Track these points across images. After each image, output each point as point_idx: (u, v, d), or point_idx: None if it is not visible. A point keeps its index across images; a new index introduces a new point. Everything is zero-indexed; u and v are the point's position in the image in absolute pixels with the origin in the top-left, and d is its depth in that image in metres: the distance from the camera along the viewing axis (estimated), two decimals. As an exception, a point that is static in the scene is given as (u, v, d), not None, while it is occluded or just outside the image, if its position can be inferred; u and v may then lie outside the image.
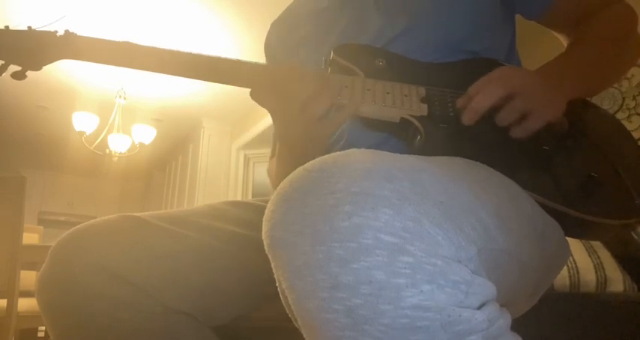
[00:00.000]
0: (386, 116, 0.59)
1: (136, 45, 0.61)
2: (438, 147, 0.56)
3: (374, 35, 0.69)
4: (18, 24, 0.62)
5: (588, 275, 1.22)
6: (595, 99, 0.71)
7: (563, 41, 0.75)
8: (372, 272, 0.29)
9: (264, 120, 3.77)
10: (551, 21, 0.72)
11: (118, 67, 0.62)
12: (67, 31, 0.62)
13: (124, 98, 3.61)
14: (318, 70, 0.68)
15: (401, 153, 0.41)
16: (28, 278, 2.39)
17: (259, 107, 0.61)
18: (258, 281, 0.61)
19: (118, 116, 3.61)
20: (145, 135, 3.78)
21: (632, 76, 1.88)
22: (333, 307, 0.30)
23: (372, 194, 0.31)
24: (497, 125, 0.57)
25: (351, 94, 0.59)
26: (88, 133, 3.55)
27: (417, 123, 0.57)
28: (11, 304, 1.79)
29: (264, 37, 0.89)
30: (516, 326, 0.36)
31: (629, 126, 1.84)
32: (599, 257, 1.25)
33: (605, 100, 1.93)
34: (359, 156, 0.36)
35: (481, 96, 0.55)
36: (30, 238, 2.80)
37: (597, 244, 1.30)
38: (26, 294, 2.22)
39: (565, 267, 1.23)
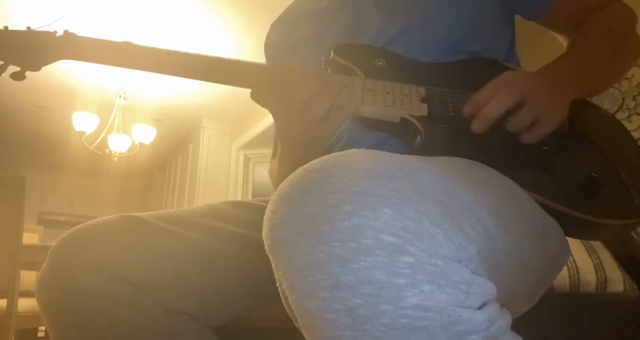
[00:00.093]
0: (386, 116, 0.59)
1: (135, 45, 0.61)
2: (438, 147, 0.56)
3: (374, 35, 0.69)
4: (17, 24, 0.62)
5: (588, 275, 1.22)
6: (595, 99, 0.71)
7: (563, 42, 0.75)
8: (372, 272, 0.29)
9: (264, 120, 3.77)
10: (551, 21, 0.72)
11: (118, 67, 0.62)
12: (66, 32, 0.62)
13: (124, 98, 3.61)
14: (318, 69, 0.68)
15: (401, 153, 0.41)
16: (28, 278, 2.39)
17: (259, 107, 0.61)
18: (259, 282, 0.61)
19: (118, 116, 3.61)
20: (145, 135, 3.78)
21: (632, 75, 1.88)
22: (334, 307, 0.30)
23: (373, 194, 0.31)
24: (498, 125, 0.57)
25: (351, 94, 0.59)
26: (88, 133, 3.55)
27: (417, 123, 0.57)
28: (11, 304, 1.79)
29: (264, 37, 0.89)
30: (516, 326, 0.36)
31: (629, 126, 1.84)
32: (599, 257, 1.25)
33: (605, 100, 1.93)
34: (359, 156, 0.36)
35: (492, 104, 0.54)
36: (30, 238, 2.80)
37: (597, 244, 1.30)
38: (26, 294, 2.22)
39: (565, 267, 1.23)
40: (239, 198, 3.58)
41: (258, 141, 4.06)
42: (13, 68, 0.62)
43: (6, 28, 0.61)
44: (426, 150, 0.55)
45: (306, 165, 0.36)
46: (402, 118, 0.58)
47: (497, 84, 0.56)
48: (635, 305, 1.09)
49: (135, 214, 0.61)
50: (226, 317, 0.63)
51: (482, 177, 0.48)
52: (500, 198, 0.44)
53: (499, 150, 0.57)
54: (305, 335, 0.35)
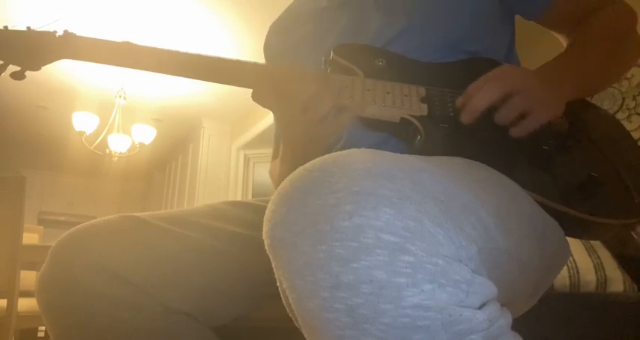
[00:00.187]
0: (386, 116, 0.59)
1: (135, 45, 0.61)
2: (438, 147, 0.56)
3: (373, 35, 0.69)
4: (17, 24, 0.62)
5: (588, 275, 1.22)
6: (595, 99, 0.71)
7: (563, 41, 0.75)
8: (372, 272, 0.29)
9: (264, 120, 3.77)
10: (551, 21, 0.72)
11: (118, 67, 0.62)
12: (66, 31, 0.62)
13: (124, 98, 3.61)
14: (317, 69, 0.68)
15: (401, 153, 0.41)
16: (28, 278, 2.39)
17: (259, 107, 0.61)
18: (259, 282, 0.61)
19: (118, 116, 3.61)
20: (145, 135, 3.78)
21: (632, 75, 1.88)
22: (334, 306, 0.30)
23: (373, 193, 0.31)
24: (497, 125, 0.57)
25: (351, 94, 0.59)
26: (88, 133, 3.55)
27: (417, 123, 0.57)
28: (11, 304, 1.79)
29: (264, 37, 0.89)
30: (516, 326, 0.36)
31: (629, 126, 1.84)
32: (599, 257, 1.25)
33: (605, 100, 1.93)
34: (359, 156, 0.36)
35: (480, 95, 0.55)
36: (30, 238, 2.80)
37: (597, 244, 1.30)
38: (26, 294, 2.22)
39: (565, 267, 1.23)
40: (239, 198, 3.58)
41: (258, 141, 4.06)
42: (12, 68, 0.62)
43: (6, 27, 0.61)
44: (426, 150, 0.55)
45: (306, 165, 0.36)
46: (402, 118, 0.58)
47: (487, 76, 0.57)
48: (635, 305, 1.09)
49: (135, 214, 0.61)
50: (226, 317, 0.63)
51: (482, 176, 0.48)
52: (500, 197, 0.44)
53: (499, 150, 0.57)
54: (305, 335, 0.35)
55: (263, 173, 4.11)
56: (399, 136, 0.62)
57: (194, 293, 0.59)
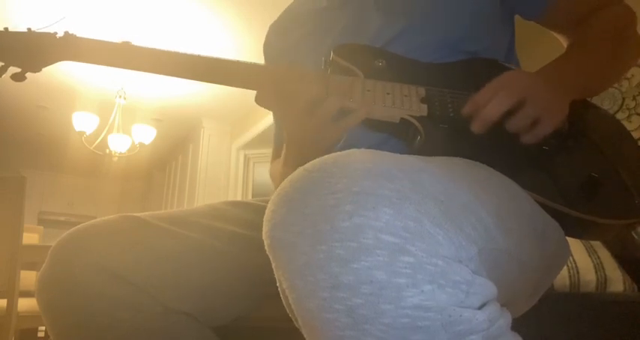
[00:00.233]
0: (386, 116, 0.59)
1: (135, 46, 0.61)
2: (438, 148, 0.56)
3: (373, 35, 0.69)
4: (18, 25, 0.62)
5: (588, 275, 1.22)
6: (595, 99, 0.71)
7: (563, 42, 0.75)
8: (372, 272, 0.29)
9: (264, 120, 3.77)
10: (551, 21, 0.72)
11: (118, 68, 0.62)
12: (66, 33, 0.62)
13: (124, 98, 3.61)
14: (317, 70, 0.68)
15: (401, 153, 0.41)
16: (28, 278, 2.39)
17: (259, 107, 0.61)
18: (259, 282, 0.61)
19: (118, 116, 3.61)
20: (145, 135, 3.78)
21: (632, 76, 1.88)
22: (334, 307, 0.30)
23: (373, 194, 0.31)
24: (498, 126, 0.57)
25: (351, 95, 0.59)
26: (88, 133, 3.55)
27: (416, 123, 0.57)
28: (11, 304, 1.79)
29: (264, 37, 0.89)
30: (516, 326, 0.36)
31: (629, 126, 1.84)
32: (599, 257, 1.25)
33: (605, 100, 1.93)
34: (359, 156, 0.36)
35: (492, 105, 0.54)
36: (30, 238, 2.80)
37: (597, 244, 1.30)
38: (26, 294, 2.22)
39: (565, 267, 1.23)
40: (239, 198, 3.58)
41: (258, 141, 4.06)
42: (13, 69, 0.62)
43: (6, 29, 0.61)
44: (426, 151, 0.55)
45: (305, 165, 0.36)
46: (401, 119, 0.58)
47: (497, 84, 0.56)
48: (635, 305, 1.09)
49: (135, 214, 0.61)
50: (226, 318, 0.63)
51: (483, 177, 0.48)
52: (500, 198, 0.44)
53: (499, 150, 0.57)
54: (305, 335, 0.35)
55: (263, 173, 4.11)
56: (398, 137, 0.61)
57: (194, 293, 0.59)
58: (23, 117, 4.60)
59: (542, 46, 1.21)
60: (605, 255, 1.27)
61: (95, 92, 3.90)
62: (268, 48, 0.88)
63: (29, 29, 0.62)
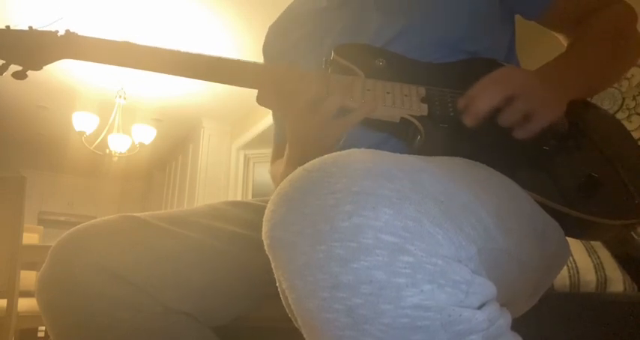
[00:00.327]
0: (386, 116, 0.59)
1: (136, 45, 0.61)
2: (438, 147, 0.56)
3: (373, 35, 0.69)
4: (18, 24, 0.62)
5: (588, 275, 1.22)
6: (595, 99, 0.71)
7: (563, 41, 0.75)
8: (372, 272, 0.29)
9: (264, 120, 3.77)
10: (551, 21, 0.72)
11: (118, 67, 0.62)
12: (67, 31, 0.62)
13: (124, 98, 3.61)
14: (318, 69, 0.68)
15: (401, 153, 0.41)
16: (28, 278, 2.39)
17: (259, 107, 0.61)
18: (259, 282, 0.61)
19: (118, 116, 3.61)
20: (145, 135, 3.78)
21: (632, 76, 1.88)
22: (334, 307, 0.30)
23: (373, 193, 0.31)
24: (498, 125, 0.57)
25: (352, 94, 0.59)
26: (88, 133, 3.55)
27: (417, 123, 0.57)
28: (11, 304, 1.79)
29: (264, 37, 0.89)
30: (516, 326, 0.36)
31: (629, 126, 1.84)
32: (599, 257, 1.25)
33: (605, 100, 1.93)
34: (359, 156, 0.36)
35: (482, 98, 0.55)
36: (30, 238, 2.80)
37: (597, 244, 1.30)
38: (26, 294, 2.22)
39: (565, 267, 1.23)
40: (239, 198, 3.58)
41: (258, 141, 4.06)
42: (14, 67, 0.62)
43: (8, 27, 0.61)
44: (426, 150, 0.55)
45: (305, 165, 0.36)
46: (402, 118, 0.58)
47: (490, 79, 0.57)
48: (635, 305, 1.09)
49: (135, 214, 0.61)
50: (226, 318, 0.63)
51: (482, 177, 0.48)
52: (500, 198, 0.44)
53: (499, 150, 0.57)
54: (305, 335, 0.35)
55: (263, 173, 4.11)
56: (399, 136, 0.62)
57: (194, 293, 0.59)
58: (23, 117, 4.60)
59: (542, 46, 1.21)
60: (605, 255, 1.27)
61: (95, 92, 3.90)
62: (268, 48, 0.88)
63: (30, 27, 0.62)
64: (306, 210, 0.32)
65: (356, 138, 0.66)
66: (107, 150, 3.81)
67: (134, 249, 0.56)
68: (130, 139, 3.84)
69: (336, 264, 0.30)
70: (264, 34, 0.89)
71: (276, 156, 0.85)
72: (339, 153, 0.37)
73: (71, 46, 0.61)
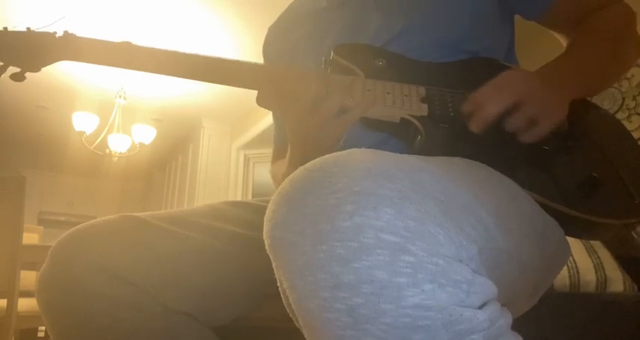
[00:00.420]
0: (386, 116, 0.59)
1: (135, 46, 0.61)
2: (438, 147, 0.56)
3: (373, 35, 0.69)
4: (17, 24, 0.62)
5: (588, 275, 1.22)
6: (595, 99, 0.71)
7: (563, 41, 0.75)
8: (373, 272, 0.29)
9: (264, 120, 3.77)
10: (551, 21, 0.72)
11: (118, 68, 0.62)
12: (66, 32, 0.61)
13: (124, 98, 3.61)
14: (317, 69, 0.68)
15: (401, 153, 0.41)
16: (28, 278, 2.39)
17: (259, 107, 0.61)
18: (259, 282, 0.61)
19: (118, 116, 3.61)
20: (145, 135, 3.78)
21: (632, 76, 1.88)
22: (335, 306, 0.30)
23: (374, 193, 0.31)
24: (498, 126, 0.57)
25: (351, 94, 0.59)
26: (88, 133, 3.55)
27: (417, 123, 0.57)
28: (11, 304, 1.79)
29: (264, 38, 0.89)
30: (516, 326, 0.36)
31: (629, 126, 1.84)
32: (599, 257, 1.25)
33: (605, 100, 1.93)
34: (359, 156, 0.36)
35: (490, 105, 0.54)
36: (30, 238, 2.80)
37: (597, 244, 1.30)
38: (26, 294, 2.22)
39: (565, 267, 1.23)
40: (239, 198, 3.59)
41: (258, 141, 4.06)
42: (13, 69, 0.62)
43: (6, 28, 0.61)
44: (426, 150, 0.55)
45: (306, 165, 0.36)
46: (402, 118, 0.58)
47: (496, 83, 0.57)
48: (635, 305, 1.09)
49: (135, 214, 0.61)
50: (227, 318, 0.63)
51: (482, 177, 0.48)
52: (500, 198, 0.44)
53: (499, 150, 0.57)
54: (306, 335, 0.35)
55: (263, 173, 4.11)
56: (399, 136, 0.61)
57: (194, 293, 0.59)
58: (23, 117, 4.59)
59: (542, 46, 1.21)
60: (605, 255, 1.27)
61: (95, 92, 3.90)
62: (268, 48, 0.88)
63: (29, 29, 0.61)
64: (306, 210, 0.32)
65: (356, 138, 0.66)
66: (107, 150, 3.81)
67: (134, 249, 0.56)
68: (130, 139, 3.84)
69: (337, 264, 0.30)
70: (264, 34, 0.89)
71: (277, 156, 0.85)
72: (339, 153, 0.37)
73: (69, 47, 0.61)
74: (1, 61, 0.60)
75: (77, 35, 0.62)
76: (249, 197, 4.18)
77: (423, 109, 0.59)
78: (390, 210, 0.31)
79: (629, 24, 0.69)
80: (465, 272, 0.32)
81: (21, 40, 0.61)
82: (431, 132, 0.57)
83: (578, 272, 1.22)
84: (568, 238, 0.56)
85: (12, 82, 0.61)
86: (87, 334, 0.54)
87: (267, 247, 0.35)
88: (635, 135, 1.75)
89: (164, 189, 5.56)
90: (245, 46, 3.14)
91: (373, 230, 0.30)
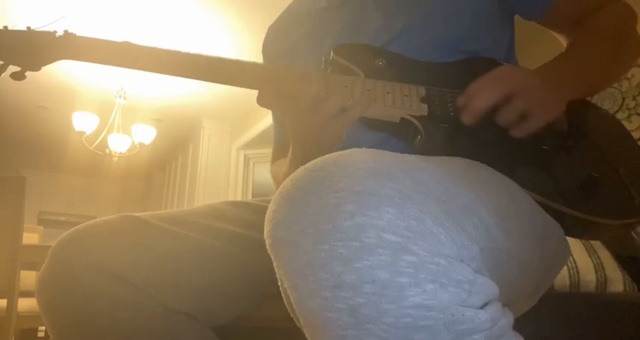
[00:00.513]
0: (386, 116, 0.59)
1: (135, 45, 0.61)
2: (438, 147, 0.56)
3: (373, 35, 0.69)
4: (17, 24, 0.62)
5: (588, 275, 1.22)
6: (595, 99, 0.71)
7: (563, 41, 0.75)
8: (375, 272, 0.29)
9: (264, 120, 3.77)
10: (551, 21, 0.72)
11: (118, 67, 0.62)
12: (66, 32, 0.61)
13: (124, 98, 3.61)
14: (317, 69, 0.68)
15: (401, 152, 0.41)
16: (28, 278, 2.39)
17: (259, 107, 0.61)
18: (259, 282, 0.61)
19: (118, 116, 3.60)
20: (145, 135, 3.78)
21: (632, 75, 1.88)
22: (336, 306, 0.30)
23: (375, 193, 0.31)
24: (497, 125, 0.57)
25: (351, 94, 0.59)
26: (88, 133, 3.55)
27: (417, 123, 0.57)
28: (11, 304, 1.79)
29: (264, 38, 0.89)
30: (517, 325, 0.36)
31: (629, 126, 1.84)
32: (599, 257, 1.25)
33: (605, 100, 1.93)
34: (360, 156, 0.36)
35: (481, 97, 0.55)
36: (30, 238, 2.80)
37: (597, 244, 1.30)
38: (26, 294, 2.22)
39: (565, 267, 1.23)
40: (239, 198, 3.58)
41: (258, 141, 4.06)
42: (12, 68, 0.62)
43: (6, 27, 0.61)
44: (426, 150, 0.55)
45: (307, 165, 0.36)
46: (402, 118, 0.58)
47: (489, 77, 0.57)
48: (635, 305, 1.09)
49: (135, 214, 0.61)
50: (227, 318, 0.63)
51: (483, 176, 0.48)
52: (500, 197, 0.44)
53: (499, 150, 0.57)
54: (307, 335, 0.35)
55: (263, 173, 4.11)
56: (399, 136, 0.61)
57: (194, 293, 0.58)
58: (23, 117, 4.59)
59: (542, 46, 1.21)
60: (605, 255, 1.27)
61: (95, 92, 3.90)
62: (267, 48, 0.87)
63: (29, 28, 0.61)
64: (308, 210, 0.32)
65: (356, 138, 0.66)
66: (107, 150, 3.81)
67: (134, 249, 0.56)
68: (130, 139, 3.84)
69: (339, 264, 0.30)
70: (264, 34, 0.89)
71: (277, 156, 0.85)
72: (340, 152, 0.37)
73: (70, 46, 0.61)
74: (2, 60, 0.60)
75: (77, 34, 0.61)
76: (249, 197, 4.18)
77: (423, 109, 0.59)
78: (391, 209, 0.31)
79: (630, 24, 0.69)
80: (467, 272, 0.32)
81: (21, 39, 0.61)
82: (431, 132, 0.57)
83: (578, 272, 1.22)
84: (568, 238, 0.56)
85: (12, 81, 0.61)
86: (87, 334, 0.54)
87: (268, 247, 0.35)
88: (635, 135, 1.75)
89: (164, 189, 5.56)
90: (245, 46, 3.14)
91: (375, 229, 0.30)
